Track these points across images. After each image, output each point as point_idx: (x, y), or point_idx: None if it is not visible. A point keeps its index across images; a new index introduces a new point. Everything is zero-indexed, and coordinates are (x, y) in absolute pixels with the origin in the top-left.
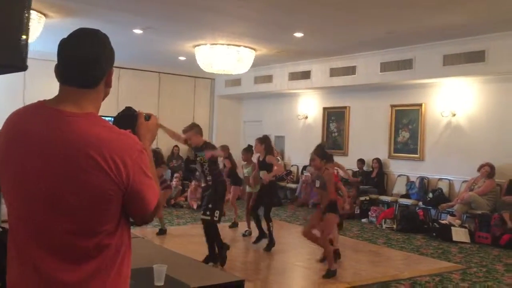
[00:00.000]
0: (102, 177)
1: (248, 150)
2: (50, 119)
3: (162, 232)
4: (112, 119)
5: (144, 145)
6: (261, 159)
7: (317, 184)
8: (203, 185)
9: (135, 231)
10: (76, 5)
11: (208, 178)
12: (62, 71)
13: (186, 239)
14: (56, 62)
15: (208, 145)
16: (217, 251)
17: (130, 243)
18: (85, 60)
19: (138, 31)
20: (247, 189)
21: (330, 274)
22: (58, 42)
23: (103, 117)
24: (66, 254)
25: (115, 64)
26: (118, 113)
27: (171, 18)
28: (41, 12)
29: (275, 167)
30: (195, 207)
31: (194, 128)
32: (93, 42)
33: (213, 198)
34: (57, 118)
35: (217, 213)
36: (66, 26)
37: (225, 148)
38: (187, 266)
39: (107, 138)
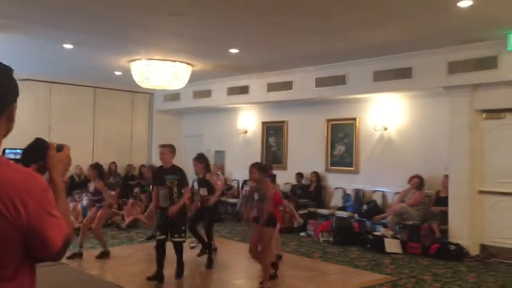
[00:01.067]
0: None
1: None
2: None
3: (104, 254)
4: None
5: (55, 177)
6: (200, 176)
7: (256, 196)
8: (161, 206)
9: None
10: (1, 20)
11: (175, 201)
12: None
13: (119, 261)
14: None
15: (179, 170)
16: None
17: None
18: None
19: (68, 46)
20: None
21: None
22: None
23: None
24: None
25: (46, 79)
26: (27, 145)
27: (101, 33)
28: None
29: (216, 187)
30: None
31: (170, 146)
32: None
33: (184, 219)
34: None
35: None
36: None
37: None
38: None
39: (6, 179)
